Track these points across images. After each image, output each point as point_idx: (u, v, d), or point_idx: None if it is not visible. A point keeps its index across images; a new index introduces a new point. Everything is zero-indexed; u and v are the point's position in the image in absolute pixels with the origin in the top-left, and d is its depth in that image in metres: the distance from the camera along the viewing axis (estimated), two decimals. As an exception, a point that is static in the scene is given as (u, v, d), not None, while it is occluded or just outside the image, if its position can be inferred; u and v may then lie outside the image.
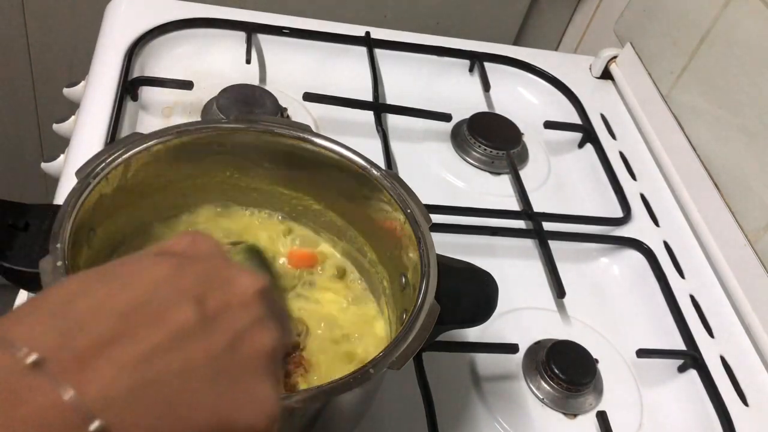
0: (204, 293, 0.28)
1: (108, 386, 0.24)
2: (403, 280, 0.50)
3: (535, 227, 0.70)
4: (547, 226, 0.71)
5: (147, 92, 0.75)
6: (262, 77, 0.81)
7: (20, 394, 0.22)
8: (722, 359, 0.65)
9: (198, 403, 0.26)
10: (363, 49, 0.84)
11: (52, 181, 0.66)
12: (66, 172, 0.64)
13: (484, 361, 0.60)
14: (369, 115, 0.78)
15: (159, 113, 0.74)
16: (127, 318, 0.25)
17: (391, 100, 0.82)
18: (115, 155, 0.47)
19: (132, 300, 0.26)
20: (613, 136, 0.85)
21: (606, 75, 0.93)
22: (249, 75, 0.79)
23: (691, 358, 0.63)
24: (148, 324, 0.26)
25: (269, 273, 0.52)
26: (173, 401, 0.25)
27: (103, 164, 0.46)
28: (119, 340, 0.25)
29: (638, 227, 0.75)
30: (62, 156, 0.69)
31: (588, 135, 0.83)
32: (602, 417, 0.58)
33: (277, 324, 0.30)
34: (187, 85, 0.73)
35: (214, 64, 0.79)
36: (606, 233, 0.73)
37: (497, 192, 0.76)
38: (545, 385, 0.59)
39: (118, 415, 0.23)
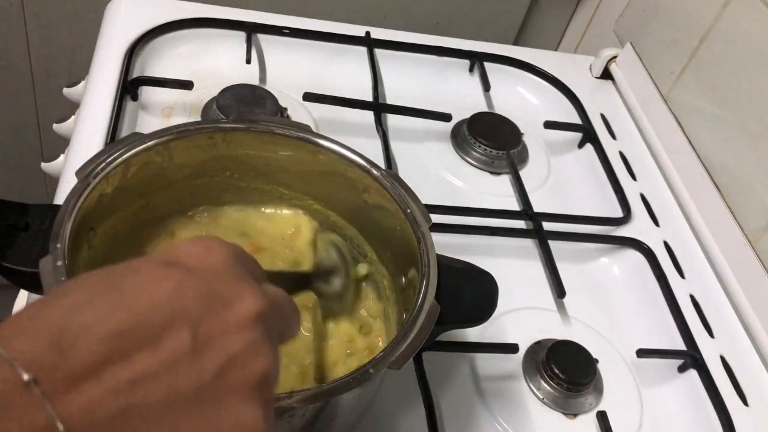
0: (201, 316, 0.28)
1: (92, 410, 0.24)
2: (403, 280, 0.50)
3: (535, 227, 0.70)
4: (547, 226, 0.71)
5: (147, 92, 0.75)
6: (262, 77, 0.81)
7: (11, 410, 0.23)
8: (722, 359, 0.65)
9: (179, 429, 0.26)
10: (363, 49, 0.84)
11: (52, 181, 0.66)
12: (66, 172, 0.64)
13: (484, 361, 0.60)
14: (369, 115, 0.78)
15: (159, 113, 0.74)
16: (122, 339, 0.25)
17: (391, 100, 0.82)
18: (115, 155, 0.47)
19: (129, 320, 0.26)
20: (613, 136, 0.85)
21: (606, 75, 0.93)
22: (249, 75, 0.79)
23: (691, 358, 0.63)
24: (141, 347, 0.26)
25: (347, 263, 0.53)
26: (153, 427, 0.25)
27: (103, 164, 0.46)
28: (111, 362, 0.25)
29: (638, 227, 0.75)
30: (62, 156, 0.69)
31: (588, 135, 0.83)
32: (602, 417, 0.58)
33: (273, 348, 0.30)
34: (187, 85, 0.73)
35: (214, 64, 0.79)
36: (606, 233, 0.73)
37: (497, 192, 0.76)
38: (545, 385, 0.59)
39: None
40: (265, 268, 0.35)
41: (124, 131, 0.68)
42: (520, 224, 0.71)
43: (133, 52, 0.75)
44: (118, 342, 0.25)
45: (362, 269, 0.55)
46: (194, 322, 0.27)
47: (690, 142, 0.78)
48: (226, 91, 0.73)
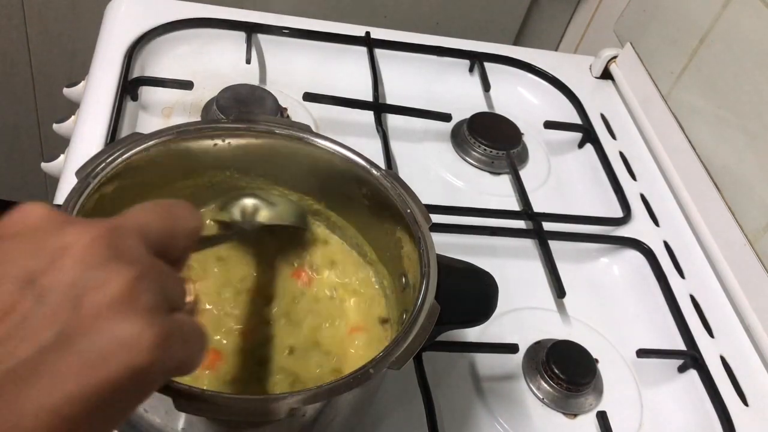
0: (33, 272, 0.27)
1: None
2: (403, 280, 0.50)
3: (535, 227, 0.70)
4: (547, 226, 0.71)
5: (147, 92, 0.75)
6: (262, 77, 0.81)
7: None
8: (722, 359, 0.65)
9: (61, 374, 0.25)
10: (363, 49, 0.84)
11: (52, 181, 0.66)
12: (66, 172, 0.64)
13: (484, 361, 0.60)
14: (369, 115, 0.78)
15: (159, 113, 0.74)
16: None
17: (391, 100, 0.82)
18: (115, 155, 0.47)
19: None
20: (613, 136, 0.85)
21: (606, 75, 0.93)
22: (249, 75, 0.79)
23: (691, 358, 0.63)
24: None
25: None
26: (26, 389, 0.24)
27: (103, 164, 0.46)
28: None
29: (638, 227, 0.75)
30: (62, 156, 0.69)
31: (588, 135, 0.83)
32: (602, 417, 0.58)
33: (131, 256, 0.28)
34: (187, 85, 0.73)
35: (214, 64, 0.79)
36: (606, 233, 0.73)
37: (497, 192, 0.76)
38: (545, 385, 0.59)
39: None
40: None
41: (124, 131, 0.68)
42: (520, 224, 0.71)
43: (133, 52, 0.75)
44: None
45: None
46: (27, 277, 0.26)
47: (690, 142, 0.78)
48: (226, 91, 0.73)
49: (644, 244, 0.72)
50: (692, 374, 0.62)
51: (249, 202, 0.54)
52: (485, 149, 0.79)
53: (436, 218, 0.56)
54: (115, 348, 0.26)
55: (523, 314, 0.65)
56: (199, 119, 0.73)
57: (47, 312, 0.26)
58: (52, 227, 0.29)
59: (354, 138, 0.67)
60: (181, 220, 0.34)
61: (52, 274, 0.27)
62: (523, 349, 0.61)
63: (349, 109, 0.77)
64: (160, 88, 0.74)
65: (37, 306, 0.26)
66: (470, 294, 0.48)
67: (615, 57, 0.92)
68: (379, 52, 0.85)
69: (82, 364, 0.25)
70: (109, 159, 0.46)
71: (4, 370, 0.25)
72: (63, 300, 0.26)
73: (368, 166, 0.51)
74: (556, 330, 0.65)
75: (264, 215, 0.53)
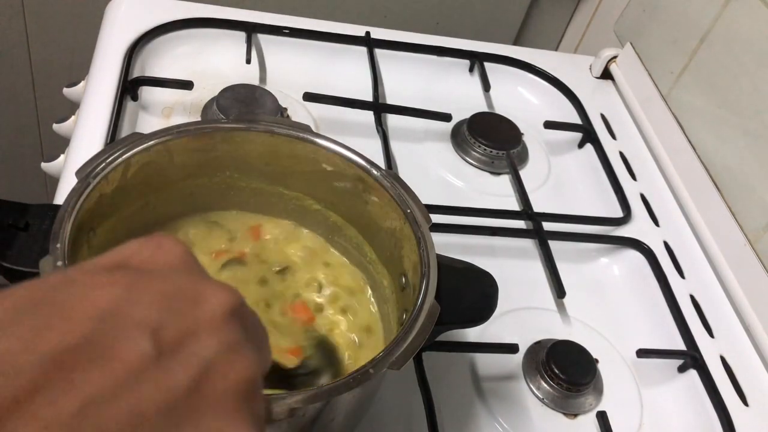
0: (162, 320, 0.23)
1: None
2: (403, 280, 0.50)
3: (535, 227, 0.70)
4: (547, 226, 0.71)
5: (147, 92, 0.75)
6: (262, 77, 0.81)
7: None
8: (722, 359, 0.65)
9: None
10: (363, 49, 0.84)
11: (52, 181, 0.66)
12: (66, 172, 0.64)
13: (484, 361, 0.60)
14: (369, 115, 0.78)
15: (159, 113, 0.74)
16: (58, 362, 0.20)
17: (391, 100, 0.82)
18: (115, 155, 0.47)
19: (67, 338, 0.21)
20: (613, 136, 0.85)
21: (606, 75, 0.93)
22: (249, 75, 0.79)
23: (691, 358, 0.63)
24: (87, 367, 0.20)
25: (336, 370, 0.50)
26: None
27: (103, 164, 0.46)
28: (44, 391, 0.19)
29: (638, 227, 0.75)
30: (62, 156, 0.69)
31: (588, 135, 0.83)
32: (602, 417, 0.58)
33: (255, 347, 0.25)
34: (187, 85, 0.73)
35: (214, 64, 0.79)
36: (606, 233, 0.73)
37: (497, 192, 0.76)
38: (545, 385, 0.59)
39: None
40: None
41: (124, 131, 0.68)
42: (520, 224, 0.71)
43: (133, 52, 0.75)
44: (52, 366, 0.20)
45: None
46: (154, 327, 0.22)
47: (690, 142, 0.78)
48: (226, 91, 0.73)
49: (644, 244, 0.72)
50: (692, 374, 0.62)
51: None
52: (485, 149, 0.79)
53: (436, 218, 0.56)
54: None
55: (523, 314, 0.65)
56: (199, 119, 0.73)
57: (164, 375, 0.22)
58: (188, 275, 0.25)
59: (354, 138, 0.66)
60: (268, 339, 0.29)
61: (181, 333, 0.23)
62: (523, 349, 0.61)
63: (349, 109, 0.77)
64: (160, 88, 0.74)
65: (156, 364, 0.22)
66: (470, 294, 0.48)
67: (615, 57, 0.92)
68: (379, 52, 0.85)
69: None
70: (109, 159, 0.46)
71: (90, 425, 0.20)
72: (186, 369, 0.22)
73: (368, 166, 0.51)
74: (556, 330, 0.65)
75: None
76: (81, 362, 0.21)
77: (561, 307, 0.67)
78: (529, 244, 0.71)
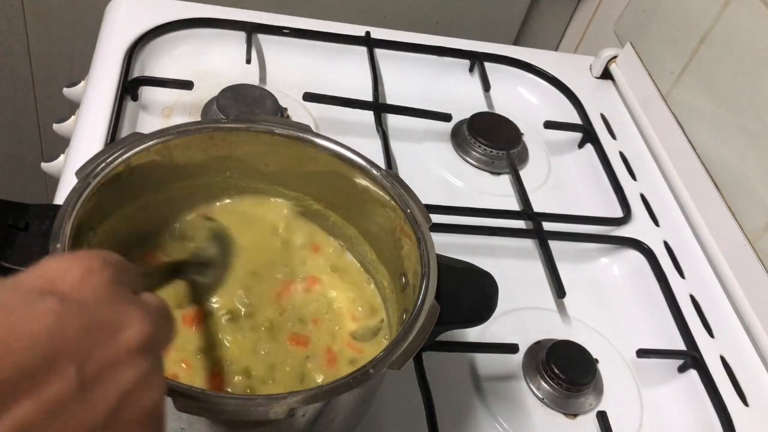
0: (86, 350, 0.25)
1: None
2: (403, 280, 0.50)
3: (535, 227, 0.70)
4: (547, 226, 0.71)
5: (147, 92, 0.75)
6: (262, 77, 0.81)
7: None
8: (722, 359, 0.65)
9: None
10: (363, 49, 0.84)
11: (52, 181, 0.66)
12: (66, 172, 0.64)
13: (484, 361, 0.60)
14: (369, 115, 0.78)
15: (159, 113, 0.74)
16: None
17: (391, 100, 0.82)
18: (115, 155, 0.47)
19: (4, 367, 0.23)
20: (613, 136, 0.85)
21: (606, 75, 0.93)
22: (249, 75, 0.79)
23: (691, 358, 0.63)
24: (21, 395, 0.23)
25: (228, 255, 0.52)
26: None
27: (103, 164, 0.46)
28: None
29: (638, 227, 0.75)
30: (62, 156, 0.69)
31: (588, 135, 0.83)
32: (602, 417, 0.58)
33: (162, 376, 0.29)
34: (187, 85, 0.73)
35: (214, 64, 0.79)
36: (606, 233, 0.73)
37: (497, 192, 0.76)
38: (545, 385, 0.59)
39: None
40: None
41: (124, 131, 0.68)
42: (520, 224, 0.71)
43: (133, 52, 0.75)
44: None
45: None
46: (79, 358, 0.25)
47: (690, 142, 0.78)
48: (226, 91, 0.73)
49: (644, 244, 0.72)
50: (692, 374, 0.62)
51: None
52: (485, 149, 0.79)
53: (436, 218, 0.56)
54: None
55: (523, 314, 0.65)
56: (199, 119, 0.73)
57: (87, 405, 0.25)
58: (111, 305, 0.28)
59: (354, 138, 0.66)
60: (173, 322, 0.34)
61: (102, 365, 0.26)
62: (523, 349, 0.61)
63: (349, 109, 0.77)
64: (160, 88, 0.74)
65: (80, 394, 0.24)
66: (470, 294, 0.48)
67: (615, 57, 0.92)
68: (379, 52, 0.85)
69: None
70: (109, 159, 0.46)
71: None
72: (105, 398, 0.25)
73: (368, 166, 0.51)
74: (556, 330, 0.65)
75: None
76: (14, 390, 0.23)
77: (561, 307, 0.67)
78: (529, 244, 0.71)
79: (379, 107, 0.79)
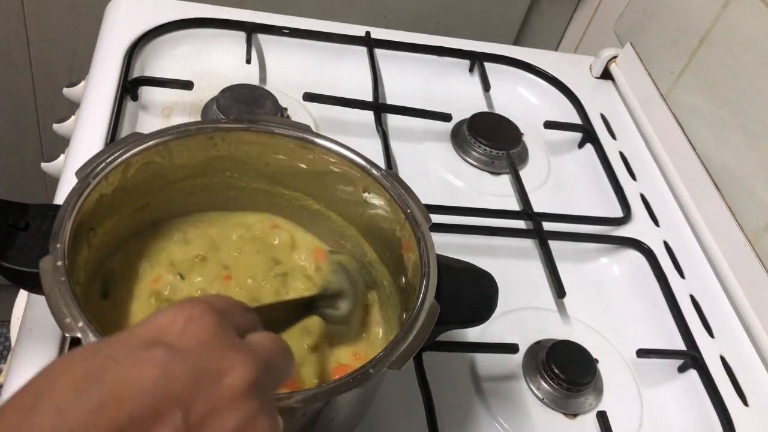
0: (191, 397, 0.27)
1: None
2: (403, 280, 0.50)
3: (535, 227, 0.70)
4: (547, 226, 0.71)
5: (147, 92, 0.75)
6: (262, 77, 0.81)
7: None
8: (722, 359, 0.65)
9: None
10: (363, 49, 0.84)
11: (52, 181, 0.66)
12: (66, 172, 0.64)
13: (484, 361, 0.60)
14: (369, 115, 0.78)
15: (159, 113, 0.74)
16: None
17: (391, 100, 0.82)
18: (115, 155, 0.47)
19: (117, 416, 0.25)
20: (613, 136, 0.85)
21: (606, 75, 0.93)
22: (249, 75, 0.79)
23: (691, 358, 0.63)
24: None
25: (357, 287, 0.52)
26: None
27: (103, 164, 0.46)
28: None
29: (638, 227, 0.75)
30: (62, 156, 0.69)
31: (588, 135, 0.83)
32: (602, 417, 0.58)
33: (271, 415, 0.30)
34: (187, 85, 0.73)
35: (214, 64, 0.79)
36: (606, 233, 0.73)
37: (497, 192, 0.76)
38: (545, 385, 0.59)
39: None
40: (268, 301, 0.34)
41: (124, 131, 0.68)
42: (520, 224, 0.71)
43: (133, 52, 0.75)
44: None
45: (371, 297, 0.54)
46: (185, 405, 0.26)
47: (690, 142, 0.78)
48: (226, 91, 0.73)
49: (644, 244, 0.72)
50: (692, 374, 0.62)
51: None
52: (485, 149, 0.79)
53: (436, 218, 0.56)
54: None
55: (523, 314, 0.65)
56: (199, 119, 0.73)
57: None
58: (215, 347, 0.29)
59: (354, 138, 0.66)
60: (290, 359, 0.34)
61: (206, 410, 0.27)
62: (523, 349, 0.61)
63: (349, 109, 0.77)
64: (160, 88, 0.74)
65: None
66: (470, 294, 0.48)
67: (615, 57, 0.92)
68: (379, 52, 0.85)
69: None
70: (109, 159, 0.46)
71: None
72: None
73: (368, 166, 0.51)
74: (556, 330, 0.65)
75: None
76: None
77: (561, 307, 0.67)
78: (529, 244, 0.71)
79: (379, 107, 0.79)
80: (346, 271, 0.53)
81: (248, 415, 0.28)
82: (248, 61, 0.77)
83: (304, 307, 0.49)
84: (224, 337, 0.30)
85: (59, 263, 0.40)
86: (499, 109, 0.86)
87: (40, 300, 0.41)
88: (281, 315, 0.46)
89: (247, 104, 0.72)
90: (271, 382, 0.31)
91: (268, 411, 0.30)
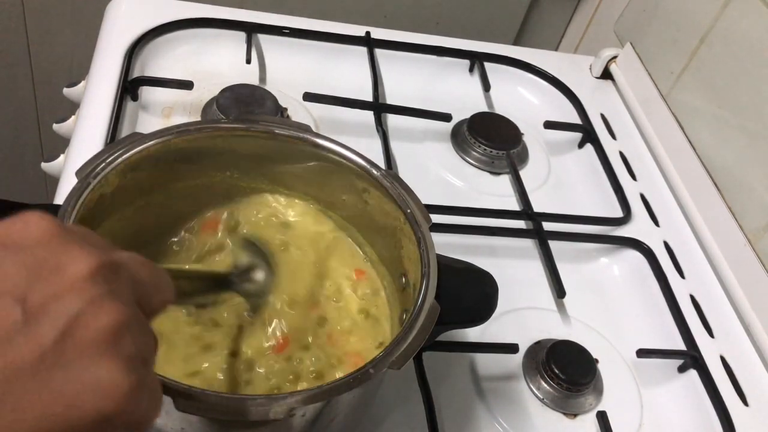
0: (28, 286, 0.26)
1: None
2: (403, 280, 0.50)
3: (535, 227, 0.70)
4: (547, 226, 0.71)
5: (147, 92, 0.75)
6: (262, 77, 0.81)
7: None
8: (722, 359, 0.65)
9: (27, 402, 0.25)
10: (363, 49, 0.84)
11: (52, 181, 0.66)
12: (66, 172, 0.64)
13: (484, 361, 0.60)
14: (369, 115, 0.78)
15: (159, 113, 0.74)
16: None
17: (391, 100, 0.82)
18: (115, 155, 0.47)
19: None
20: (613, 136, 0.85)
21: (606, 75, 0.93)
22: (249, 75, 0.79)
23: (691, 358, 0.63)
24: None
25: (267, 266, 0.52)
26: None
27: (103, 164, 0.46)
28: None
29: (638, 227, 0.75)
30: (62, 156, 0.69)
31: (588, 135, 0.83)
32: (602, 417, 0.58)
33: (120, 301, 0.28)
34: (187, 85, 0.73)
35: (214, 64, 0.79)
36: (606, 233, 0.73)
37: (497, 192, 0.76)
38: (545, 385, 0.59)
39: None
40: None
41: (124, 131, 0.68)
42: (520, 224, 0.71)
43: (133, 52, 0.75)
44: None
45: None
46: (20, 293, 0.26)
47: (690, 142, 0.78)
48: (226, 91, 0.73)
49: (644, 244, 0.72)
50: (692, 374, 0.62)
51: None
52: (485, 149, 0.79)
53: (436, 218, 0.56)
54: (89, 390, 0.26)
55: (523, 314, 0.65)
56: (199, 119, 0.73)
57: (33, 334, 0.26)
58: (54, 243, 0.28)
59: (354, 138, 0.66)
60: (163, 281, 0.33)
61: (46, 297, 0.26)
62: (523, 349, 0.61)
63: (349, 109, 0.77)
64: (160, 88, 0.74)
65: (25, 326, 0.26)
66: (470, 294, 0.48)
67: (615, 57, 0.92)
68: (379, 52, 0.85)
69: (52, 401, 0.25)
70: (109, 159, 0.46)
71: None
72: (52, 326, 0.26)
73: (368, 166, 0.51)
74: (556, 330, 0.65)
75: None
76: None
77: (561, 307, 0.67)
78: (529, 244, 0.71)
79: (379, 107, 0.79)
80: (251, 244, 0.53)
81: (93, 297, 0.27)
82: (248, 61, 0.77)
83: (215, 283, 0.50)
84: (64, 237, 0.29)
85: (59, 263, 0.40)
86: (499, 109, 0.86)
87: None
88: (185, 284, 0.47)
89: (247, 104, 0.72)
90: (126, 282, 0.30)
91: (118, 298, 0.28)
